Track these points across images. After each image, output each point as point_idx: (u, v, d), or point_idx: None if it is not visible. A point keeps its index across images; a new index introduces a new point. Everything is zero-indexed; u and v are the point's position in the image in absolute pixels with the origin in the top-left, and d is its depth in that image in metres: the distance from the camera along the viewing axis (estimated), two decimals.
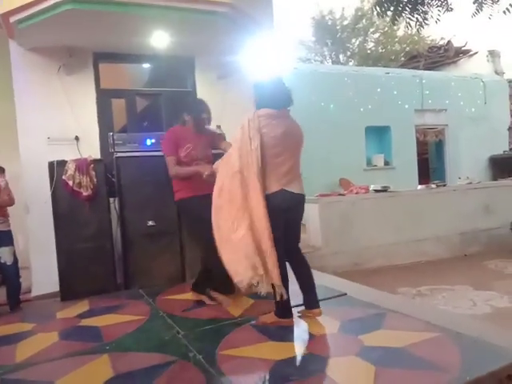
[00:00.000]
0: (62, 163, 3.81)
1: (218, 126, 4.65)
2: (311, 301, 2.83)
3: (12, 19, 3.64)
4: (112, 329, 2.92)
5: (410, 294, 4.92)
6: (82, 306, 3.54)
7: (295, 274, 2.84)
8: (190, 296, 3.59)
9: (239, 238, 2.55)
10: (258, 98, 2.73)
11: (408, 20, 4.86)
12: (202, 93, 4.89)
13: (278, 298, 2.63)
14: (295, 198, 2.73)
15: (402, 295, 4.69)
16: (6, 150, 4.52)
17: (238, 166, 2.59)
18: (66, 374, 2.27)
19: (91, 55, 4.35)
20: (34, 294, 4.02)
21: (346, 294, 3.39)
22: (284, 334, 2.65)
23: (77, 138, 4.20)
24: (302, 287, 2.84)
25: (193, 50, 4.68)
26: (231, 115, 4.88)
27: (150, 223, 4.07)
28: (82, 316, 3.27)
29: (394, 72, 10.35)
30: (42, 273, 4.01)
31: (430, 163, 11.36)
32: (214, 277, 3.23)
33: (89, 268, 3.87)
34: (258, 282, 2.52)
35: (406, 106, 9.72)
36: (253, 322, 2.85)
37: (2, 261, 3.48)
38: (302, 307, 2.90)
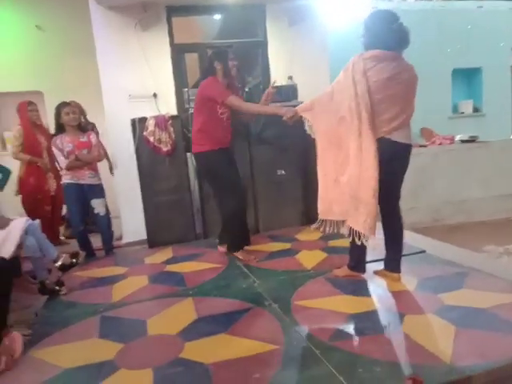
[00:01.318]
0: (143, 120, 4.00)
1: (290, 77, 4.53)
2: (393, 262, 2.71)
3: None
4: (194, 275, 3.14)
5: (495, 253, 4.60)
6: (167, 253, 3.83)
7: (384, 230, 2.70)
8: (262, 248, 3.72)
9: (341, 184, 2.59)
10: (368, 36, 2.45)
11: None
12: (272, 42, 4.74)
13: (359, 242, 2.54)
14: (398, 147, 2.49)
15: (487, 253, 4.40)
16: (92, 106, 4.85)
17: (341, 110, 2.50)
18: (155, 314, 2.51)
19: (164, 9, 4.37)
20: (124, 240, 4.42)
21: (424, 252, 3.27)
22: (358, 288, 2.65)
23: (155, 95, 4.35)
24: (387, 245, 2.72)
25: None
26: (303, 65, 4.73)
27: None
28: (167, 262, 3.54)
29: (489, 5, 9.10)
30: (131, 222, 4.36)
31: None
32: (234, 231, 3.45)
33: (171, 219, 4.14)
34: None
35: (502, 45, 8.59)
36: (326, 275, 2.88)
37: (96, 212, 3.82)
38: (378, 264, 2.86)
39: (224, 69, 3.24)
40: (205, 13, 4.70)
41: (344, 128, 2.53)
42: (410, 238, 3.73)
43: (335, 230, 2.71)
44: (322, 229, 2.75)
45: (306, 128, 2.78)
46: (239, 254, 3.42)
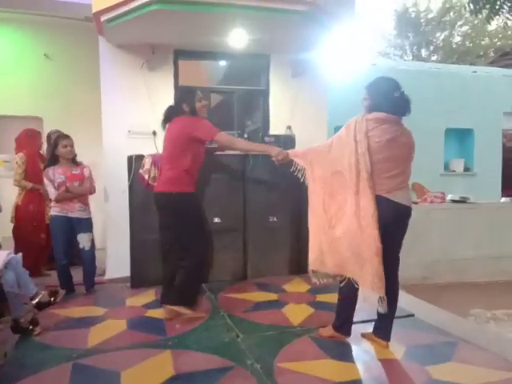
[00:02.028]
0: (140, 157, 3.99)
1: (289, 127, 4.61)
2: (384, 330, 2.63)
3: (103, 18, 3.85)
4: (175, 323, 3.02)
5: (483, 317, 4.56)
6: (149, 295, 3.71)
7: None
8: (249, 296, 3.63)
9: (335, 237, 2.56)
10: (373, 101, 2.54)
11: (506, 19, 4.39)
12: (275, 91, 4.86)
13: (382, 310, 2.49)
14: (398, 209, 2.48)
15: (475, 319, 4.34)
16: (90, 138, 4.86)
17: (338, 164, 2.55)
18: (131, 367, 2.38)
19: (172, 52, 4.49)
20: (107, 277, 4.30)
21: (413, 315, 3.20)
22: (344, 352, 2.57)
23: (154, 133, 4.37)
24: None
25: (268, 48, 4.65)
26: (303, 115, 4.83)
27: (216, 220, 4.15)
28: (148, 306, 3.42)
29: (482, 71, 9.52)
30: (116, 258, 4.26)
31: None
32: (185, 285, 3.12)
33: (157, 258, 4.02)
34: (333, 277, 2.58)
35: (494, 108, 8.92)
36: (312, 334, 2.79)
37: (81, 246, 3.73)
38: (365, 325, 2.78)
39: (191, 111, 3.12)
40: (211, 58, 4.84)
41: (339, 182, 2.56)
42: (400, 299, 3.68)
43: (325, 281, 2.68)
44: (313, 280, 2.70)
45: (296, 172, 2.80)
46: (189, 310, 3.10)
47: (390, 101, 2.49)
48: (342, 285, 2.62)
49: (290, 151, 2.89)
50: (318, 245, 2.66)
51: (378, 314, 2.63)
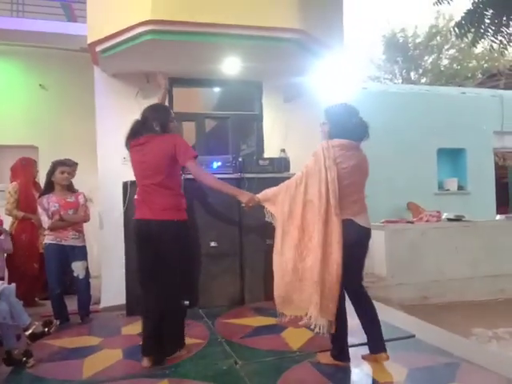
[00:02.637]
0: (135, 184, 3.99)
1: (283, 150, 4.65)
2: (376, 344, 2.63)
3: (97, 48, 3.94)
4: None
5: (485, 337, 4.50)
6: None
7: (358, 314, 2.67)
8: (247, 321, 3.58)
9: (306, 267, 2.53)
10: (334, 126, 2.62)
11: (491, 42, 4.53)
12: (268, 116, 4.94)
13: (332, 331, 2.52)
14: (362, 231, 2.61)
15: (477, 339, 4.29)
16: (86, 166, 4.86)
17: (310, 193, 2.55)
18: None
19: (167, 80, 4.56)
20: (102, 305, 4.23)
21: (414, 336, 3.16)
22: (345, 377, 2.52)
23: None
24: (366, 328, 2.66)
25: (261, 75, 4.75)
26: (296, 139, 4.89)
27: (212, 244, 4.13)
28: None
29: (471, 92, 9.75)
30: (111, 286, 4.21)
31: (510, 189, 10.48)
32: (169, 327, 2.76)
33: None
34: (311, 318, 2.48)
35: (484, 128, 9.08)
36: (312, 360, 2.74)
37: (75, 274, 3.69)
38: (365, 347, 2.74)
39: (161, 130, 2.78)
40: (205, 85, 4.95)
41: (310, 212, 2.56)
42: (398, 320, 3.65)
43: (296, 321, 2.61)
44: (281, 321, 2.66)
45: (267, 217, 2.76)
46: (184, 349, 2.88)
47: (349, 127, 2.57)
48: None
49: (260, 195, 2.78)
50: (283, 286, 2.61)
51: (366, 332, 2.65)
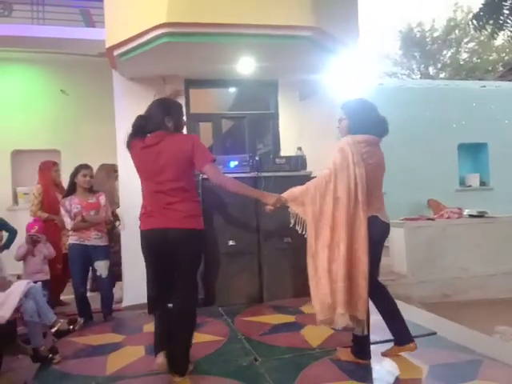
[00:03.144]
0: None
1: (299, 148, 4.65)
2: (402, 336, 2.61)
3: (115, 52, 4.03)
4: (193, 348, 2.97)
5: (509, 335, 4.39)
6: None
7: (378, 308, 2.66)
8: (266, 319, 3.60)
9: (339, 267, 2.44)
10: (353, 122, 2.58)
11: (510, 33, 4.43)
12: (284, 114, 4.95)
13: (360, 333, 2.51)
14: (385, 227, 2.61)
15: (501, 336, 4.20)
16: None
17: (339, 190, 2.48)
18: None
19: (183, 82, 4.64)
20: (124, 304, 4.32)
21: (435, 333, 3.12)
22: (365, 373, 2.50)
23: None
24: (388, 321, 2.64)
25: (276, 73, 4.76)
26: (312, 137, 4.88)
27: (231, 243, 4.17)
28: None
29: (492, 85, 9.54)
30: (133, 285, 4.28)
31: None
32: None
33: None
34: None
35: (506, 122, 8.88)
36: (332, 356, 2.74)
37: (98, 273, 3.77)
38: (386, 344, 2.73)
39: (175, 127, 2.55)
40: (221, 86, 4.99)
41: (339, 209, 2.48)
42: (419, 317, 3.61)
43: (343, 325, 2.47)
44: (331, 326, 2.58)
45: (292, 221, 2.66)
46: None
47: (369, 122, 2.54)
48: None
49: (286, 195, 2.67)
50: (322, 292, 2.48)
51: (389, 325, 2.64)
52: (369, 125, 2.54)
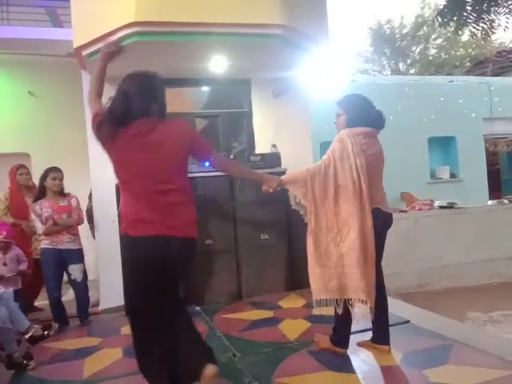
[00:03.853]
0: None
1: (274, 145, 4.69)
2: (382, 335, 2.66)
3: (84, 52, 3.95)
4: None
5: (480, 321, 4.57)
6: None
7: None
8: (244, 315, 3.62)
9: (342, 253, 2.48)
10: (352, 116, 2.60)
11: (473, 29, 4.59)
12: (258, 112, 4.97)
13: (372, 319, 2.53)
14: (388, 218, 2.64)
15: (472, 322, 4.36)
16: (78, 170, 4.88)
17: (341, 178, 2.51)
18: None
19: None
20: (101, 307, 4.25)
21: (409, 322, 3.22)
22: (342, 363, 2.56)
23: None
24: (374, 319, 2.63)
25: (249, 71, 4.77)
26: (287, 133, 4.93)
27: (208, 241, 4.17)
28: None
29: (459, 80, 9.83)
30: (109, 287, 4.22)
31: (502, 175, 10.60)
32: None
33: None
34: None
35: (473, 115, 9.18)
36: (309, 348, 2.79)
37: (73, 277, 3.72)
38: (360, 335, 2.80)
39: (160, 113, 2.14)
40: (194, 85, 4.96)
41: (343, 197, 2.52)
42: (394, 307, 3.69)
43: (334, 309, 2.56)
44: (314, 312, 2.57)
45: (292, 203, 2.66)
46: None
47: (368, 115, 2.59)
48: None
49: (283, 178, 2.65)
50: (319, 272, 2.53)
51: (374, 322, 2.66)
52: (366, 118, 2.57)
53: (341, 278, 2.49)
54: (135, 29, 3.54)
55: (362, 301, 2.44)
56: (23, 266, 3.63)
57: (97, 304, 4.30)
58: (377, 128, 2.64)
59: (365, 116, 2.58)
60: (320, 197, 2.56)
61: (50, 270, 3.66)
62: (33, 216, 3.69)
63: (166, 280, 2.04)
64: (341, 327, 2.65)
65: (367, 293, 2.43)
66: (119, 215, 2.21)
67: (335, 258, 2.50)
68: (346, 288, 2.49)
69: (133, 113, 2.04)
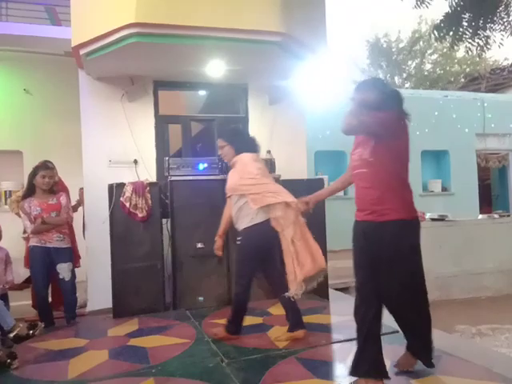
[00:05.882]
0: (121, 186, 4.01)
1: (269, 151, 4.71)
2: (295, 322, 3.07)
3: (82, 51, 3.95)
4: (158, 351, 2.96)
5: (468, 333, 4.58)
6: (132, 324, 3.64)
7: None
8: None
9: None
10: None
11: (468, 45, 4.65)
12: (254, 118, 4.99)
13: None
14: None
15: (460, 335, 4.37)
16: (71, 169, 4.84)
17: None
18: None
19: (152, 83, 4.60)
20: (88, 308, 4.21)
21: (397, 332, 3.20)
22: (329, 370, 2.57)
23: (135, 162, 4.42)
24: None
25: (246, 77, 4.80)
26: (282, 140, 4.95)
27: (199, 245, 4.15)
28: (131, 335, 3.35)
29: (453, 95, 9.96)
30: (97, 289, 4.19)
31: (493, 190, 10.71)
32: None
33: (140, 287, 3.99)
34: None
35: (466, 130, 9.28)
36: (297, 355, 2.77)
37: (61, 276, 3.66)
38: (350, 343, 2.78)
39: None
40: (190, 88, 4.98)
41: None
42: (384, 317, 3.69)
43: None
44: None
45: None
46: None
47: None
48: None
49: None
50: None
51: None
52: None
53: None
54: (135, 29, 3.55)
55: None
56: (10, 268, 3.58)
57: (84, 305, 4.25)
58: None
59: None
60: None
61: (38, 268, 3.60)
62: (21, 214, 3.63)
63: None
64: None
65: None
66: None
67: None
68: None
69: None
